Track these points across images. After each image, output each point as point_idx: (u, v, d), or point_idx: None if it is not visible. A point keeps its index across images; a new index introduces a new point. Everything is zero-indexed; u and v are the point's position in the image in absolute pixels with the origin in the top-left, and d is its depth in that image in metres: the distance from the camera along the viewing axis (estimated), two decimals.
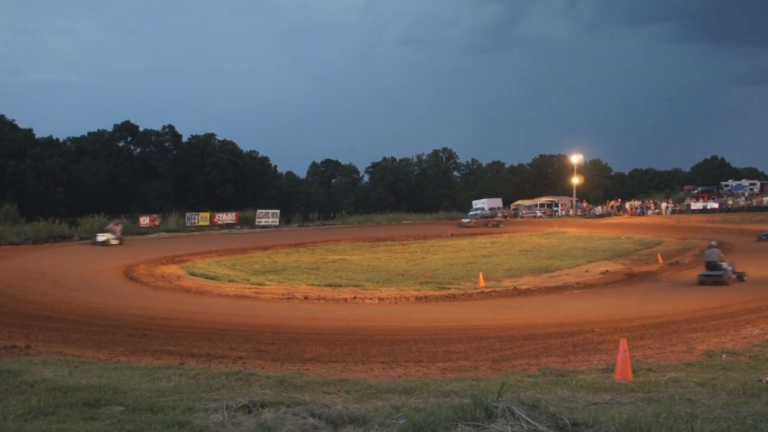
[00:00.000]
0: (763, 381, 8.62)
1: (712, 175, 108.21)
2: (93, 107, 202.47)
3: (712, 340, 13.50)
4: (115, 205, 74.54)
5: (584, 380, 9.01)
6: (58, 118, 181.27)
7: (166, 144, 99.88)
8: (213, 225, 65.09)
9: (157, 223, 62.45)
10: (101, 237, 43.46)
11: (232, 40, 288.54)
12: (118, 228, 46.34)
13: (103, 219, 56.44)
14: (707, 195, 77.91)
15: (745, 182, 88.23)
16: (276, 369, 10.70)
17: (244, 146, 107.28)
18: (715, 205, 69.19)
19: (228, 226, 65.74)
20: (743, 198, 72.10)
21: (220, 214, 67.93)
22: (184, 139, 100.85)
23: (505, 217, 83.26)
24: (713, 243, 26.37)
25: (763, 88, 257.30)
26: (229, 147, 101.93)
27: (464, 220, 70.10)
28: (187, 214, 65.24)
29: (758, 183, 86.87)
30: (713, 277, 23.97)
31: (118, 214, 61.57)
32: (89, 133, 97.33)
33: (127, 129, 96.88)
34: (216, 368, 10.31)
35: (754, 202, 69.05)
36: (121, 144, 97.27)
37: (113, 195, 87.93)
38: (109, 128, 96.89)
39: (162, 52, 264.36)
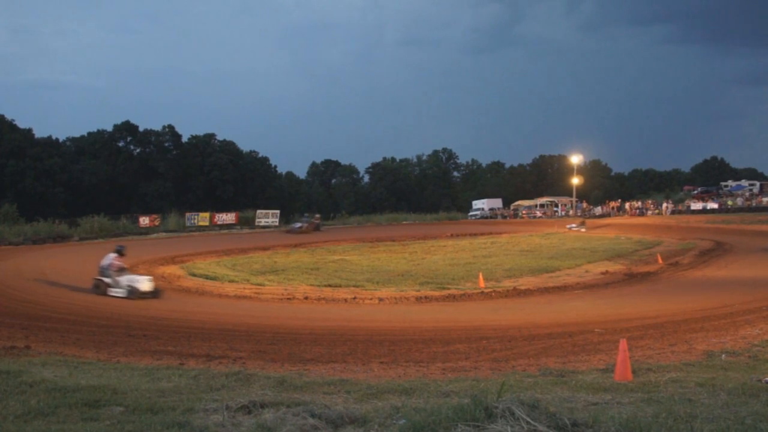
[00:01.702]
0: (763, 381, 8.63)
1: (711, 175, 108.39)
2: (93, 107, 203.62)
3: (711, 340, 13.50)
4: (115, 206, 74.63)
5: (584, 380, 9.02)
6: (57, 118, 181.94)
7: (166, 144, 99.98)
8: (213, 225, 65.24)
9: (156, 223, 62.56)
10: None
11: (232, 40, 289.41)
12: None
13: (102, 219, 56.46)
14: (707, 195, 77.98)
15: (744, 183, 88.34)
16: (276, 369, 10.70)
17: (244, 146, 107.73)
18: (715, 206, 69.23)
19: (228, 226, 65.87)
20: (743, 198, 72.14)
21: (220, 215, 68.08)
22: (184, 139, 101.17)
23: (504, 217, 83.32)
24: None
25: (763, 88, 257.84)
26: (229, 147, 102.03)
27: (296, 225, 62.65)
28: (187, 215, 65.39)
29: (758, 183, 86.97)
30: None
31: (117, 214, 61.62)
32: (89, 133, 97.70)
33: (126, 129, 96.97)
34: (216, 369, 10.31)
35: (754, 202, 69.11)
36: (120, 144, 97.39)
37: (113, 195, 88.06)
38: (109, 128, 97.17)
39: (162, 52, 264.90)
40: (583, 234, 52.33)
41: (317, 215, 69.86)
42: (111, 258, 21.94)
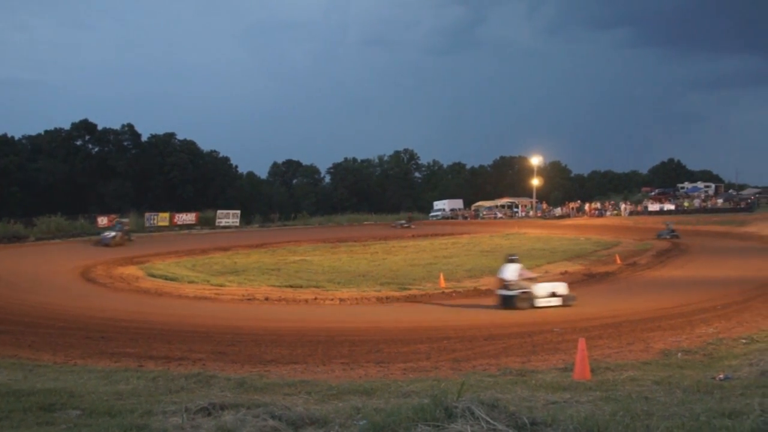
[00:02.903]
0: (717, 378, 8.80)
1: (668, 177, 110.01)
2: (50, 105, 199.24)
3: (668, 339, 13.73)
4: (72, 206, 73.36)
5: (543, 379, 9.11)
6: (13, 115, 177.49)
7: (125, 143, 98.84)
8: (173, 225, 64.48)
9: (115, 223, 61.67)
10: None
11: (193, 38, 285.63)
12: None
13: (59, 219, 55.52)
14: (664, 197, 79.36)
15: (700, 185, 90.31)
16: (236, 371, 10.65)
17: (205, 146, 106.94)
18: (672, 207, 70.44)
19: (188, 226, 65.19)
20: (699, 200, 73.51)
21: (180, 215, 67.33)
22: (144, 138, 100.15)
23: (465, 217, 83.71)
24: None
25: (719, 93, 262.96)
26: (189, 147, 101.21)
27: (108, 235, 44.97)
28: (146, 215, 64.48)
29: (713, 185, 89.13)
30: None
31: (75, 215, 60.63)
32: (46, 132, 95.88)
33: (85, 127, 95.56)
34: (175, 370, 10.24)
35: (709, 204, 70.49)
36: (78, 143, 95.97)
37: (70, 195, 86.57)
38: (67, 126, 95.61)
39: (122, 49, 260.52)
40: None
41: (126, 220, 53.48)
42: (518, 268, 20.08)
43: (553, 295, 19.94)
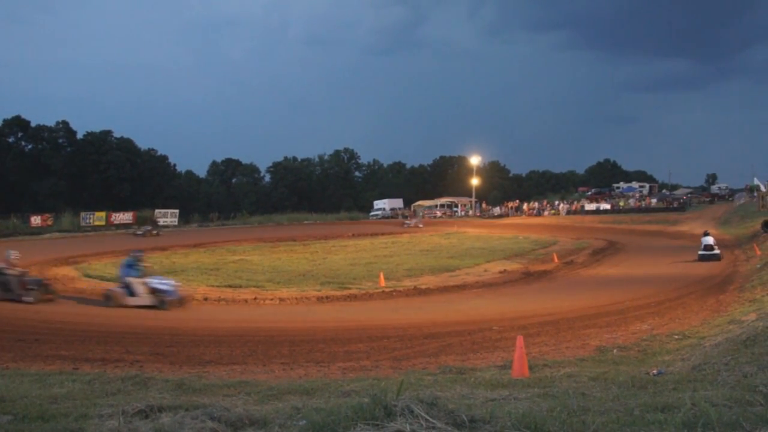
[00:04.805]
0: (650, 374, 8.99)
1: (604, 177, 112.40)
2: None
3: (603, 335, 13.99)
4: (4, 204, 71.40)
5: (482, 377, 9.19)
6: None
7: (60, 140, 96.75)
8: (109, 225, 63.46)
9: (49, 223, 60.31)
10: None
11: (130, 34, 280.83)
12: None
13: None
14: (600, 197, 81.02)
15: (635, 185, 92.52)
16: (174, 372, 10.50)
17: (142, 144, 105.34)
18: (608, 206, 71.97)
19: (125, 226, 64.20)
20: (634, 200, 75.22)
21: (117, 214, 66.38)
22: (79, 135, 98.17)
23: (405, 217, 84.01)
24: None
25: (652, 95, 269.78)
26: (126, 145, 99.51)
27: None
28: (82, 214, 63.35)
29: (647, 186, 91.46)
30: None
31: (6, 214, 59.10)
32: None
33: (17, 124, 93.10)
34: (112, 373, 10.05)
35: (644, 203, 72.22)
36: (11, 140, 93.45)
37: (2, 194, 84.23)
38: None
39: (57, 44, 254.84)
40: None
41: None
42: (713, 239, 32.32)
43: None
